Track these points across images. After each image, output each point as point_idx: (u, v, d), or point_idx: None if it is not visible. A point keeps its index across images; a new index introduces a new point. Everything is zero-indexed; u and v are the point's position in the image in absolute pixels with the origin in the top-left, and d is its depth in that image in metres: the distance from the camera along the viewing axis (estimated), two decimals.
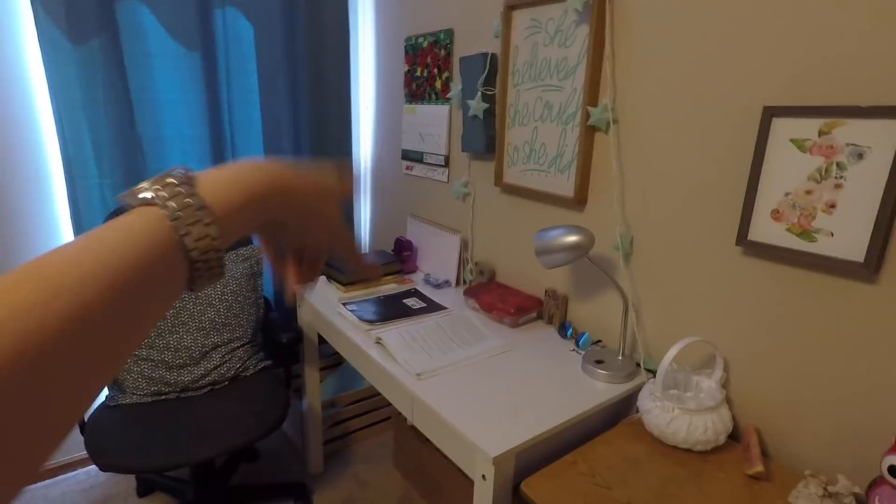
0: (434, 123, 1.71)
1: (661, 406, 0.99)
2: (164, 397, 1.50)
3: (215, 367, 1.56)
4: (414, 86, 1.78)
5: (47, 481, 1.79)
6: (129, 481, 1.79)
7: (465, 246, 1.67)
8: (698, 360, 1.09)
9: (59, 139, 1.55)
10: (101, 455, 1.29)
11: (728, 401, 1.04)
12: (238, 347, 1.61)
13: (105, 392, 1.51)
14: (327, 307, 1.49)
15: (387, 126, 2.01)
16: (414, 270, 1.81)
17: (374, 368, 1.24)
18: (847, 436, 0.89)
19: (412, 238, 1.86)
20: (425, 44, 1.69)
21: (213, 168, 0.35)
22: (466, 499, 1.27)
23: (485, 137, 1.47)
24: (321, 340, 1.67)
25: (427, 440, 1.59)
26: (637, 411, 1.07)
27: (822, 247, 0.85)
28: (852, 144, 0.80)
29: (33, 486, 1.77)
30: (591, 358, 1.17)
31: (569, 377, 1.14)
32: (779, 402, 0.97)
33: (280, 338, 1.61)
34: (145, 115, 1.66)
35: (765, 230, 0.92)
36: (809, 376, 0.92)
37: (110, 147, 1.61)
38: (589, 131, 1.21)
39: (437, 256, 1.74)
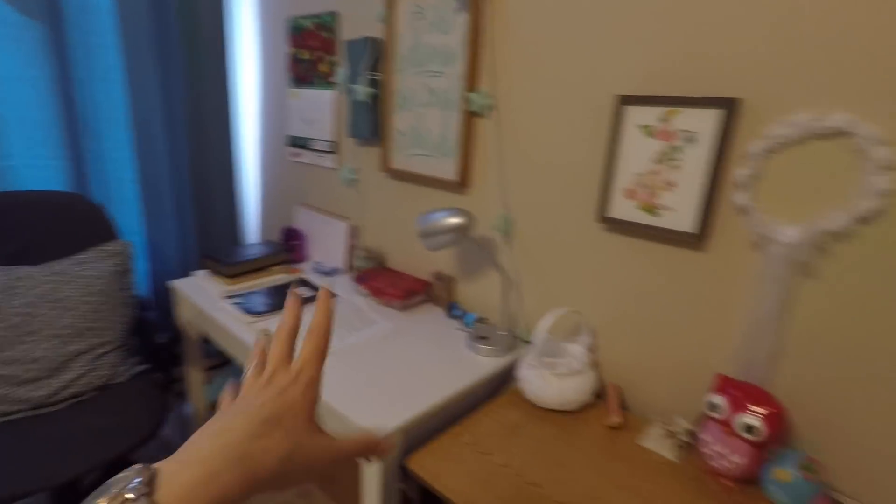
0: (320, 108, 1.67)
1: (535, 373, 1.06)
2: (12, 417, 1.32)
3: (78, 377, 1.40)
4: (298, 69, 1.72)
5: None
6: None
7: (354, 233, 1.66)
8: (570, 329, 1.19)
9: None
10: None
11: (595, 363, 1.15)
12: (106, 353, 1.46)
13: None
14: (209, 303, 1.40)
15: (272, 111, 1.93)
16: (304, 260, 1.77)
17: None
18: (684, 383, 1.02)
19: (301, 227, 1.80)
20: (310, 25, 1.64)
21: (180, 460, 0.30)
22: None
23: (371, 123, 1.47)
24: (205, 339, 1.57)
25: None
26: (516, 381, 1.14)
27: (665, 221, 0.96)
28: (685, 130, 0.91)
29: None
30: (475, 335, 1.22)
31: (454, 354, 1.18)
32: (635, 360, 1.09)
33: (156, 339, 1.48)
34: None
35: (620, 207, 1.02)
36: (656, 336, 1.04)
37: None
38: (470, 117, 1.25)
39: (327, 244, 1.71)
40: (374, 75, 1.42)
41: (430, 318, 1.37)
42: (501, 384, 1.19)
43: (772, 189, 0.85)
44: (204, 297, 1.42)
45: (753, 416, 0.84)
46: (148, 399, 1.43)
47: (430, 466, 0.91)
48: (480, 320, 1.34)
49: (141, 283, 1.82)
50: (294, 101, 1.77)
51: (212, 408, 1.76)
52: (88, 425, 1.31)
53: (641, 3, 0.95)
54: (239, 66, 1.96)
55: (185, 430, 1.73)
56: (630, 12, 0.96)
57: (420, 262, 1.49)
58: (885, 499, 0.82)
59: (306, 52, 1.67)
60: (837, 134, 0.77)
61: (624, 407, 1.13)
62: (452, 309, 1.38)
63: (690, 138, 0.90)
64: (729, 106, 0.85)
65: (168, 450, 1.39)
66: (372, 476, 0.95)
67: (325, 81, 1.63)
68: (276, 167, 1.97)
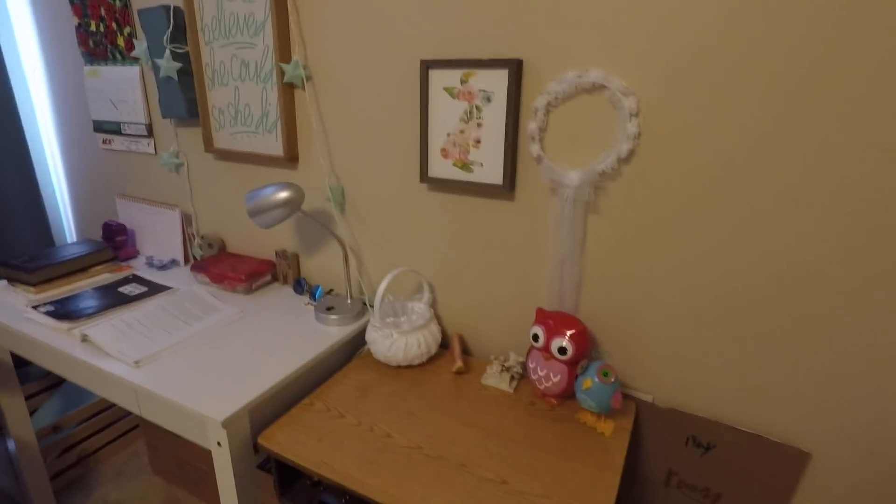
0: (125, 87, 1.50)
1: (381, 334, 1.11)
2: None
3: None
4: (91, 43, 1.52)
5: None
6: None
7: (188, 221, 1.55)
8: (412, 289, 1.25)
9: None
10: None
11: (437, 317, 1.23)
12: None
13: None
14: (12, 315, 1.22)
15: (67, 93, 1.68)
16: (134, 256, 1.61)
17: (85, 371, 1.09)
18: (513, 321, 1.14)
19: (125, 221, 1.64)
20: None
21: None
22: None
23: (185, 101, 1.36)
24: (19, 361, 1.38)
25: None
26: (365, 345, 1.18)
27: (477, 175, 1.05)
28: (483, 90, 0.99)
29: None
30: (322, 307, 1.23)
31: (303, 329, 1.18)
32: (471, 308, 1.19)
33: None
34: None
35: (438, 167, 1.09)
36: (484, 282, 1.14)
37: None
38: (287, 89, 1.22)
39: (159, 236, 1.58)
40: (179, 48, 1.31)
41: (278, 296, 1.35)
42: (354, 351, 1.22)
43: (556, 139, 0.96)
44: (5, 311, 1.24)
45: (563, 339, 0.97)
46: None
47: (281, 439, 0.92)
48: (328, 293, 1.35)
49: None
50: (93, 80, 1.56)
51: (46, 432, 1.56)
52: None
53: None
54: (12, 37, 1.67)
55: (13, 467, 1.52)
56: None
57: (261, 243, 1.45)
58: (663, 388, 1.01)
59: (96, 23, 1.48)
60: (597, 88, 0.90)
61: (467, 353, 1.23)
62: (299, 285, 1.37)
63: (488, 97, 0.99)
64: (514, 66, 0.94)
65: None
66: (223, 462, 0.93)
67: (125, 57, 1.47)
68: (84, 157, 1.74)
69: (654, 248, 0.94)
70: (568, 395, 1.01)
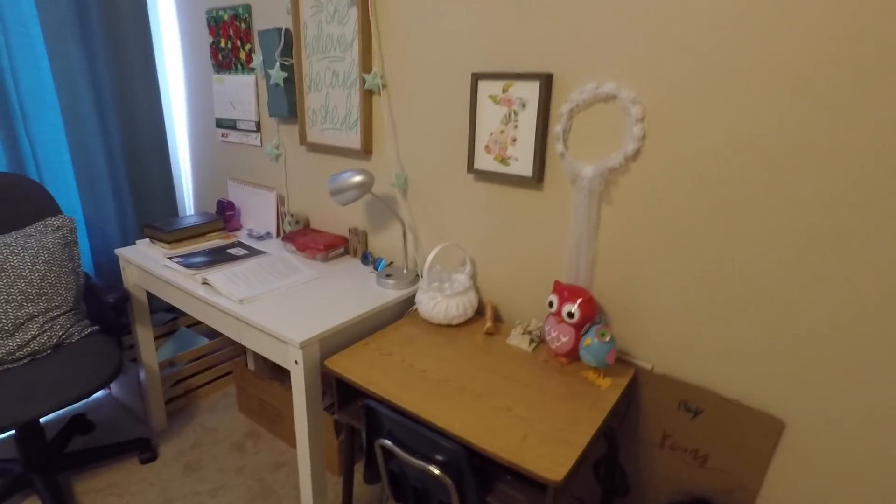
0: (243, 92, 1.87)
1: (427, 296, 1.35)
2: None
3: (34, 338, 1.57)
4: (220, 57, 1.91)
5: None
6: None
7: (281, 201, 1.89)
8: (458, 262, 1.49)
9: None
10: None
11: (476, 287, 1.45)
12: (59, 316, 1.64)
13: None
14: (154, 264, 1.60)
15: (199, 95, 2.10)
16: (238, 228, 1.98)
17: (203, 306, 1.42)
18: (537, 292, 1.34)
19: (234, 199, 2.01)
20: (226, 17, 1.83)
21: None
22: None
23: (287, 103, 1.69)
24: (152, 306, 1.76)
25: (267, 378, 1.82)
26: (414, 305, 1.43)
27: (512, 168, 1.27)
28: (519, 98, 1.21)
29: None
30: (382, 274, 1.50)
31: (366, 290, 1.45)
32: (504, 281, 1.40)
33: (105, 298, 1.66)
34: None
35: (482, 160, 1.32)
36: (515, 259, 1.35)
37: None
38: (367, 94, 1.50)
39: (258, 213, 1.93)
40: (286, 61, 1.64)
41: (348, 266, 1.63)
42: (405, 310, 1.47)
43: (577, 139, 1.16)
44: (148, 261, 1.62)
45: (572, 304, 1.16)
46: (98, 356, 1.61)
47: (342, 364, 1.18)
48: (389, 264, 1.62)
49: (84, 257, 1.98)
50: (219, 86, 1.95)
51: (164, 365, 1.95)
52: (45, 377, 1.50)
53: (481, 4, 1.23)
54: (164, 55, 2.11)
55: (140, 387, 1.93)
56: (476, 8, 1.24)
57: (338, 221, 1.75)
58: (661, 357, 1.17)
59: (225, 41, 1.86)
60: (610, 97, 1.09)
61: (499, 319, 1.44)
62: (366, 257, 1.64)
63: (523, 104, 1.20)
64: (544, 79, 1.15)
65: (121, 408, 1.69)
66: (298, 377, 1.21)
67: (245, 67, 1.83)
68: (207, 146, 2.15)
69: (656, 234, 1.11)
70: (576, 356, 1.20)
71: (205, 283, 1.43)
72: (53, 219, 1.69)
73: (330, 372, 1.18)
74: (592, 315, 1.18)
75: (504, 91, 1.23)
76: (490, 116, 1.27)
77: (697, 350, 1.12)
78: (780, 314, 1.00)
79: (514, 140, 1.24)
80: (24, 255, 1.59)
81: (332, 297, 1.39)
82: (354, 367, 1.17)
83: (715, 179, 1.01)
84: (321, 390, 1.27)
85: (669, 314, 1.14)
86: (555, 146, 1.19)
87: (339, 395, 1.22)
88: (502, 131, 1.26)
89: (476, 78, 1.26)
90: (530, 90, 1.18)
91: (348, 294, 1.42)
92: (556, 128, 1.18)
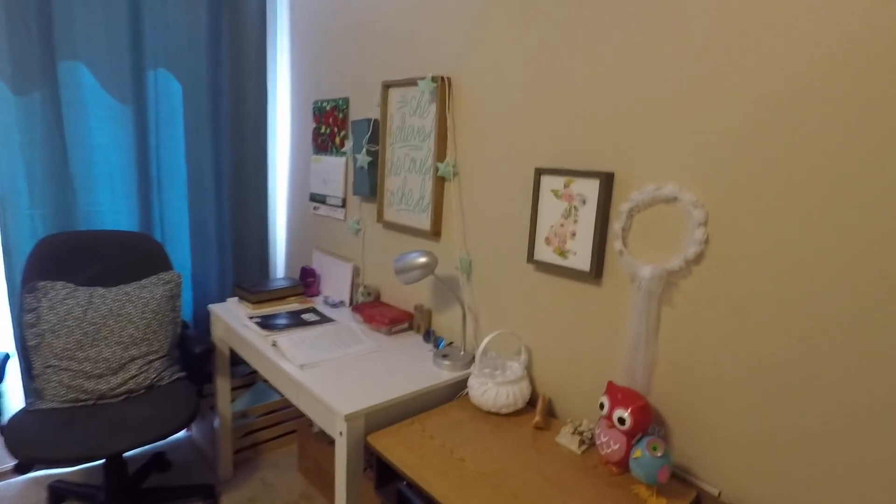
0: (334, 171, 2.08)
1: (479, 381, 1.35)
2: (81, 403, 1.69)
3: (132, 377, 1.77)
4: (319, 140, 2.15)
5: None
6: (40, 493, 1.91)
7: (357, 272, 2.01)
8: (513, 350, 1.47)
9: None
10: (19, 449, 1.47)
11: (531, 378, 1.42)
12: (155, 360, 1.84)
13: (23, 398, 1.68)
14: (236, 321, 1.76)
15: (299, 173, 2.36)
16: (317, 294, 2.12)
17: (270, 366, 1.53)
18: (592, 391, 1.28)
19: (316, 267, 2.17)
20: (328, 107, 2.07)
21: None
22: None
23: (370, 184, 1.85)
24: (234, 359, 1.92)
25: (326, 443, 1.88)
26: (465, 389, 1.42)
27: (571, 262, 1.26)
28: (580, 194, 1.22)
29: None
30: (439, 354, 1.52)
31: (421, 368, 1.48)
32: (559, 374, 1.36)
33: (193, 349, 1.84)
34: (78, 156, 1.91)
35: (542, 251, 1.33)
36: (571, 353, 1.31)
37: (42, 182, 1.84)
38: (439, 180, 1.61)
39: (336, 282, 2.07)
40: (372, 147, 1.81)
41: (410, 341, 1.68)
42: (456, 393, 1.46)
43: (636, 238, 1.14)
44: (233, 318, 1.79)
45: (624, 410, 1.09)
46: (183, 399, 1.77)
47: (383, 442, 1.20)
48: (449, 344, 1.64)
49: (186, 307, 2.22)
50: (316, 165, 2.19)
51: (237, 416, 2.08)
52: (136, 414, 1.66)
53: (547, 105, 1.29)
54: (275, 137, 2.42)
55: (213, 434, 2.06)
56: (542, 109, 1.31)
57: (406, 296, 1.82)
58: (731, 483, 1.05)
59: (325, 127, 2.10)
60: (671, 199, 1.07)
61: (552, 414, 1.39)
62: (428, 335, 1.68)
63: (584, 200, 1.22)
64: (604, 177, 1.16)
65: (196, 451, 1.85)
66: (341, 449, 1.24)
67: (338, 150, 2.04)
68: (300, 217, 2.38)
69: (722, 342, 1.03)
70: (628, 466, 1.11)
71: (274, 345, 1.54)
72: (165, 273, 1.94)
73: (370, 448, 1.20)
74: (646, 424, 1.10)
75: (565, 186, 1.25)
76: (551, 210, 1.29)
77: (777, 479, 0.99)
78: (882, 440, 0.87)
79: (574, 234, 1.25)
80: (137, 304, 1.83)
81: (386, 372, 1.43)
82: (395, 447, 1.18)
83: (793, 290, 0.93)
84: (364, 463, 1.28)
85: (741, 432, 1.03)
86: (613, 243, 1.18)
87: (378, 471, 1.22)
88: (562, 225, 1.27)
89: (539, 172, 1.31)
90: (590, 187, 1.20)
91: (403, 370, 1.45)
92: (615, 225, 1.17)
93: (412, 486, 1.08)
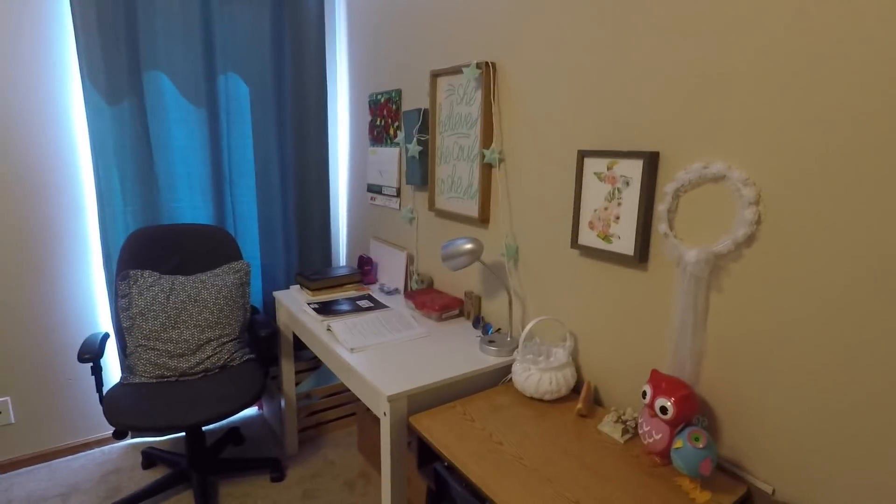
0: (389, 162, 2.14)
1: (522, 367, 1.34)
2: (166, 379, 1.88)
3: (208, 357, 1.94)
4: (375, 132, 2.22)
5: (69, 457, 2.16)
6: (136, 457, 2.15)
7: (410, 260, 2.06)
8: (558, 336, 1.45)
9: (94, 176, 1.99)
10: (114, 417, 1.66)
11: (577, 365, 1.40)
12: (227, 342, 2.00)
13: (120, 373, 1.89)
14: (297, 307, 1.87)
15: (357, 165, 2.44)
16: (373, 282, 2.20)
17: (324, 349, 1.61)
18: (637, 378, 1.23)
19: (373, 255, 2.25)
20: (382, 99, 2.13)
21: None
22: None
23: (421, 173, 1.88)
24: (300, 343, 2.05)
25: None
26: (509, 374, 1.42)
27: (615, 246, 1.22)
28: (623, 176, 1.18)
29: (57, 459, 2.13)
30: (486, 340, 1.53)
31: (467, 353, 1.50)
32: (604, 361, 1.32)
33: (260, 332, 1.98)
34: (161, 158, 2.10)
35: (586, 236, 1.30)
36: (615, 340, 1.28)
37: (133, 182, 2.05)
38: (486, 167, 1.61)
39: (391, 270, 2.13)
40: (422, 136, 1.84)
41: (459, 327, 1.70)
42: (500, 378, 1.47)
43: (683, 220, 1.08)
44: (294, 304, 1.90)
45: (667, 399, 1.05)
46: (252, 379, 1.91)
47: (425, 423, 1.23)
48: (497, 330, 1.64)
49: (256, 294, 2.39)
50: (372, 156, 2.26)
51: (301, 396, 2.22)
52: (211, 391, 1.82)
53: (590, 86, 1.25)
54: (337, 132, 2.52)
55: (280, 412, 2.21)
56: (585, 91, 1.27)
57: (457, 283, 1.84)
58: (785, 480, 0.98)
59: (380, 119, 2.16)
60: (720, 178, 1.01)
61: (597, 401, 1.36)
62: (477, 321, 1.69)
63: (627, 182, 1.17)
64: (648, 157, 1.11)
65: (267, 427, 2.00)
66: (385, 429, 1.29)
67: (392, 142, 2.10)
68: (359, 208, 2.47)
69: (778, 333, 0.96)
70: (667, 453, 1.06)
71: (328, 329, 1.62)
72: (236, 263, 2.09)
73: (413, 428, 1.24)
74: (691, 414, 1.05)
75: (609, 168, 1.21)
76: (595, 193, 1.26)
77: (839, 481, 0.91)
78: None
79: (618, 218, 1.21)
80: (211, 290, 1.99)
81: (433, 356, 1.46)
82: (435, 428, 1.21)
83: (856, 274, 0.85)
84: (407, 442, 1.32)
85: (796, 428, 0.96)
86: (658, 226, 1.13)
87: (419, 451, 1.26)
88: (606, 208, 1.24)
89: (582, 155, 1.27)
90: (634, 168, 1.15)
91: (450, 355, 1.48)
92: (660, 207, 1.12)
93: (449, 466, 1.10)
